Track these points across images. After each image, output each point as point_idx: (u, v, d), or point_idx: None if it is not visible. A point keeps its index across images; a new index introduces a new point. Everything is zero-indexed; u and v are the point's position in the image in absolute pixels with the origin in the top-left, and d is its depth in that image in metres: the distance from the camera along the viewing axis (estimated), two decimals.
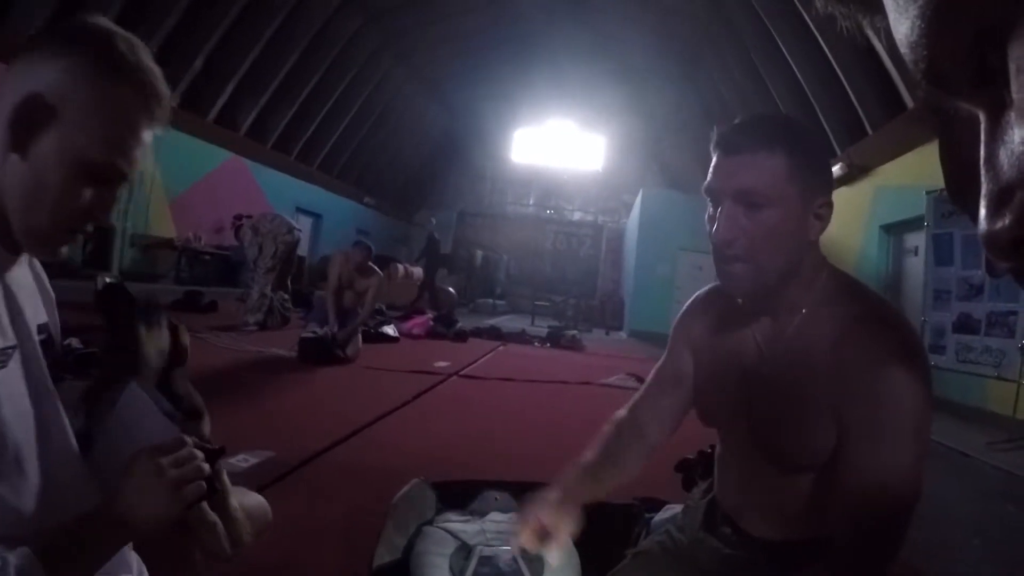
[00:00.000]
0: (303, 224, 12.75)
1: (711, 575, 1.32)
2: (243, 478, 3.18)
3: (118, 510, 0.83)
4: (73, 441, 0.96)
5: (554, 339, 11.87)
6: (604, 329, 16.30)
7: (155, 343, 1.60)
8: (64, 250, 0.91)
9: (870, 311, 1.15)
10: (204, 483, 0.90)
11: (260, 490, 3.00)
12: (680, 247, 14.94)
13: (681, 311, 1.51)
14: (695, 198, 15.35)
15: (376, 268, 7.48)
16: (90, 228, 0.90)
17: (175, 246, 11.92)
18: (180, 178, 11.90)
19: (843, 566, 1.04)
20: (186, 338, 1.77)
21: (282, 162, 15.62)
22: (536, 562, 1.63)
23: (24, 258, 0.94)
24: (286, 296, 9.23)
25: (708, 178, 1.16)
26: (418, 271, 17.40)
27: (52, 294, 1.05)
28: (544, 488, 2.24)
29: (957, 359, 6.36)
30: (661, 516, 1.65)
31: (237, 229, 10.07)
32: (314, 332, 6.86)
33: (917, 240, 8.18)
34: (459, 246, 23.38)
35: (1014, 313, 5.85)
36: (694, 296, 1.50)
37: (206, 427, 2.01)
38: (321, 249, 16.02)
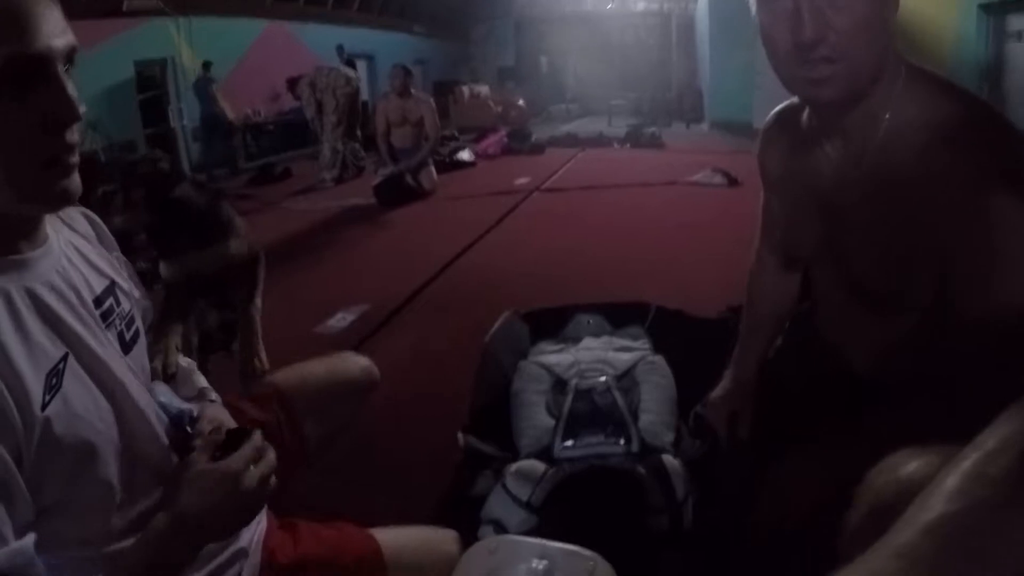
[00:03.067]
0: (357, 68, 12.35)
1: (801, 400, 1.20)
2: (344, 336, 3.26)
3: (189, 525, 0.79)
4: (154, 420, 0.90)
5: (633, 138, 11.42)
6: (684, 122, 15.55)
7: None
8: (74, 184, 0.75)
9: (967, 114, 0.94)
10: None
11: (360, 344, 3.09)
12: (758, 28, 13.71)
13: (759, 141, 1.32)
14: None
15: (420, 93, 7.23)
16: (73, 138, 0.73)
17: (236, 127, 11.89)
18: (222, 61, 11.45)
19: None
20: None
21: (320, 14, 15.03)
22: (632, 391, 1.58)
23: (52, 240, 0.82)
24: (357, 146, 9.13)
25: None
26: (485, 90, 16.89)
27: (110, 237, 0.97)
28: (634, 307, 2.17)
29: None
30: None
31: (293, 88, 9.93)
32: (383, 175, 6.81)
33: (1022, 23, 7.07)
34: (522, 57, 22.39)
35: None
36: (766, 121, 1.30)
37: (235, 243, 2.02)
38: (380, 89, 15.63)
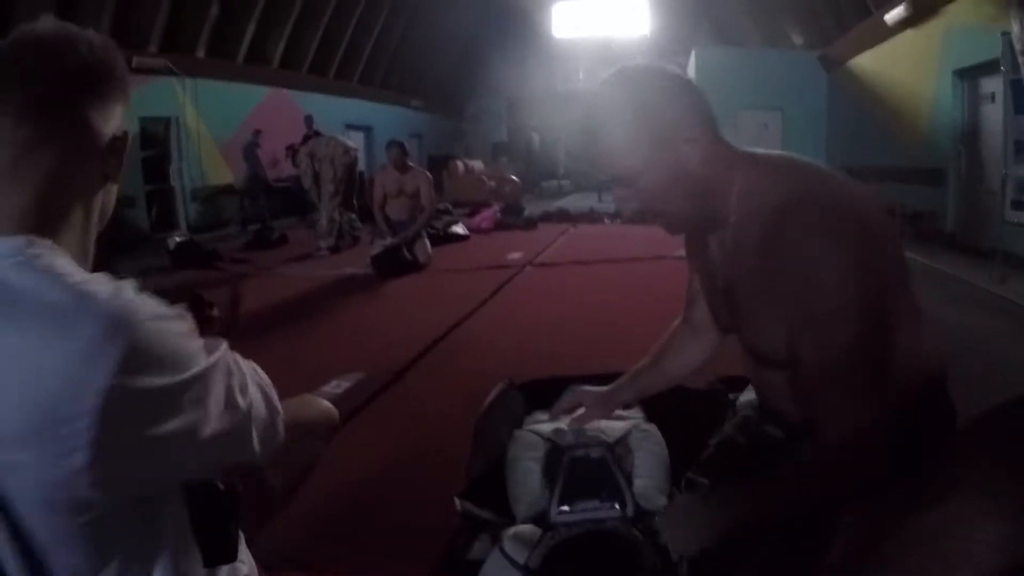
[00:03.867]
0: (355, 139, 12.62)
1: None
2: (339, 402, 3.27)
3: None
4: None
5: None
6: None
7: None
8: None
9: (786, 199, 1.11)
10: None
11: (355, 412, 3.13)
12: (742, 106, 13.96)
13: None
14: (753, 53, 14.38)
15: (417, 166, 7.46)
16: None
17: (235, 190, 12.07)
18: (224, 124, 11.84)
19: (817, 464, 1.10)
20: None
21: (322, 84, 15.44)
22: (625, 458, 1.64)
23: None
24: (353, 216, 9.29)
25: None
26: (479, 165, 17.21)
27: None
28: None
29: None
30: (746, 397, 1.62)
31: (294, 156, 10.15)
32: (382, 245, 6.94)
33: (994, 85, 7.23)
34: (514, 133, 22.96)
35: None
36: None
37: None
38: (377, 161, 15.92)
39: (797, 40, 14.70)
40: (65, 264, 0.75)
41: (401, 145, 7.26)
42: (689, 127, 1.16)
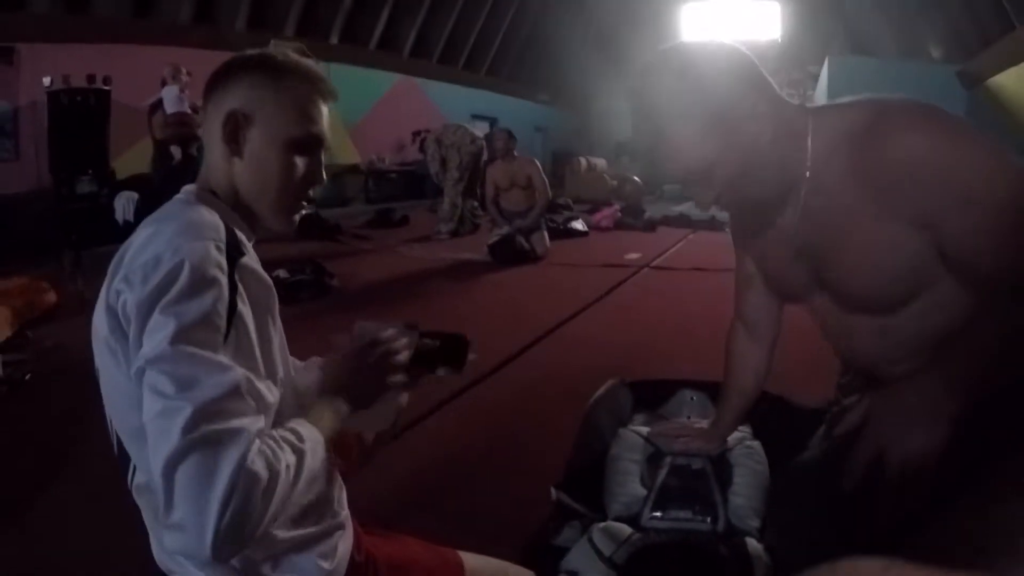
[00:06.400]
0: (480, 129, 12.88)
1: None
2: (447, 380, 3.35)
3: (340, 394, 1.03)
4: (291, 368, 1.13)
5: None
6: None
7: None
8: (296, 218, 1.11)
9: (882, 113, 1.10)
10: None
11: (461, 392, 3.20)
12: None
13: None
14: (888, 64, 13.61)
15: (524, 156, 7.51)
16: (312, 193, 1.10)
17: (361, 170, 12.57)
18: (354, 107, 12.33)
19: None
20: None
21: (450, 74, 15.84)
22: (725, 472, 1.62)
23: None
24: (475, 203, 9.46)
25: None
26: (602, 163, 17.09)
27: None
28: None
29: None
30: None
31: (422, 143, 10.41)
32: (499, 235, 7.07)
33: None
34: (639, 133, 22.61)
35: None
36: None
37: None
38: None
39: (935, 53, 13.76)
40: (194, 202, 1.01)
41: (508, 132, 7.45)
42: (752, 103, 1.10)
